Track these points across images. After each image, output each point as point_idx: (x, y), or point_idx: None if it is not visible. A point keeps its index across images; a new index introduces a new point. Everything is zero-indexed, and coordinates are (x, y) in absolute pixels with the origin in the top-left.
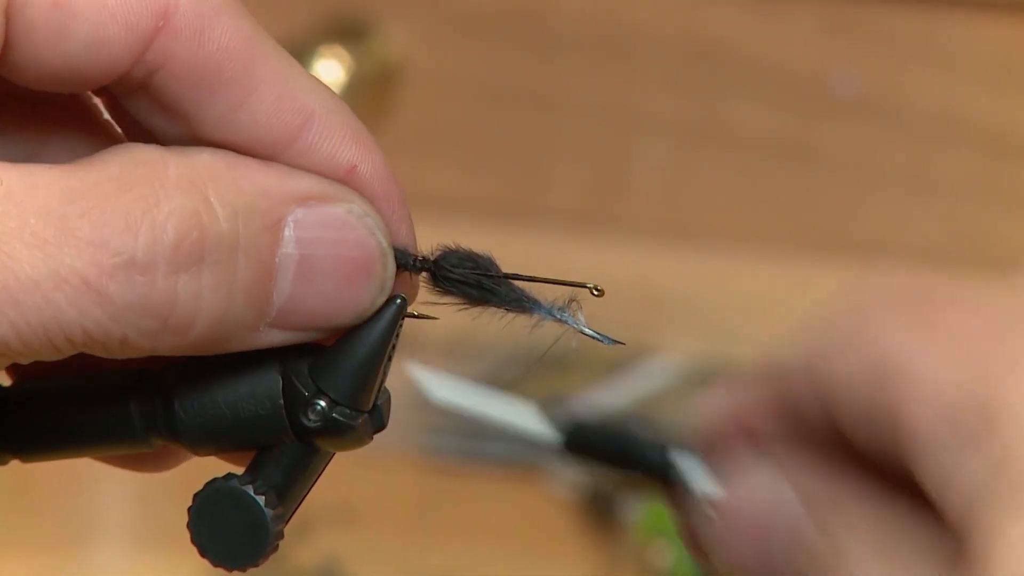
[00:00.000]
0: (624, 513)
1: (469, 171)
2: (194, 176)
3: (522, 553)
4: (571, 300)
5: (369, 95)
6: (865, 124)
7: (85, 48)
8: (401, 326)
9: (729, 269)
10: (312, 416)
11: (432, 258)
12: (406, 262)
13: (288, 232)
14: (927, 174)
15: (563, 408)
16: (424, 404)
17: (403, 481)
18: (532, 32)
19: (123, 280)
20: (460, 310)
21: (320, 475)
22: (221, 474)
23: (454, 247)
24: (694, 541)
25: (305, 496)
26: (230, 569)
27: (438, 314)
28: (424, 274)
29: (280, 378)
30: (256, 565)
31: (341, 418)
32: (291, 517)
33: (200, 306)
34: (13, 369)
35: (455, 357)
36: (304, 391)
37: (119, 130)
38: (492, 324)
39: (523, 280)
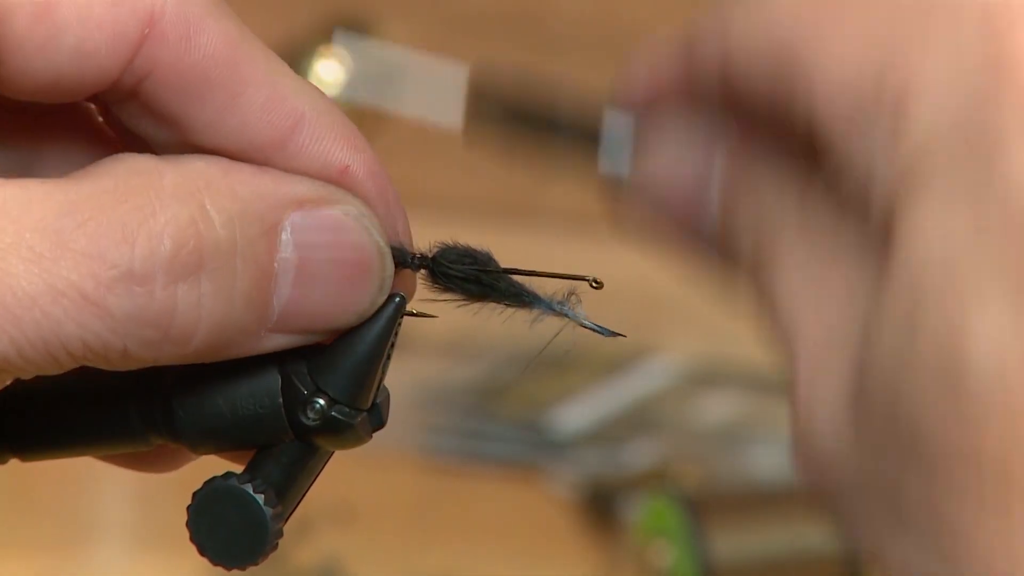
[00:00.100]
0: (624, 513)
1: (469, 171)
2: (189, 185)
3: (522, 553)
4: (570, 293)
5: None
6: None
7: (72, 59)
8: (400, 324)
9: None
10: (311, 414)
11: (430, 255)
12: (404, 260)
13: (285, 236)
14: None
15: (496, 77)
16: (424, 405)
17: (403, 481)
18: (532, 32)
19: (121, 292)
20: (459, 306)
21: (319, 474)
22: (220, 473)
23: (452, 243)
24: (622, 211)
25: (304, 495)
26: (229, 568)
27: (437, 312)
28: (422, 271)
29: (279, 377)
30: (255, 563)
31: (340, 416)
32: (290, 516)
33: (200, 314)
34: None
35: (455, 356)
36: (303, 389)
37: (114, 137)
38: (492, 320)
39: (522, 275)
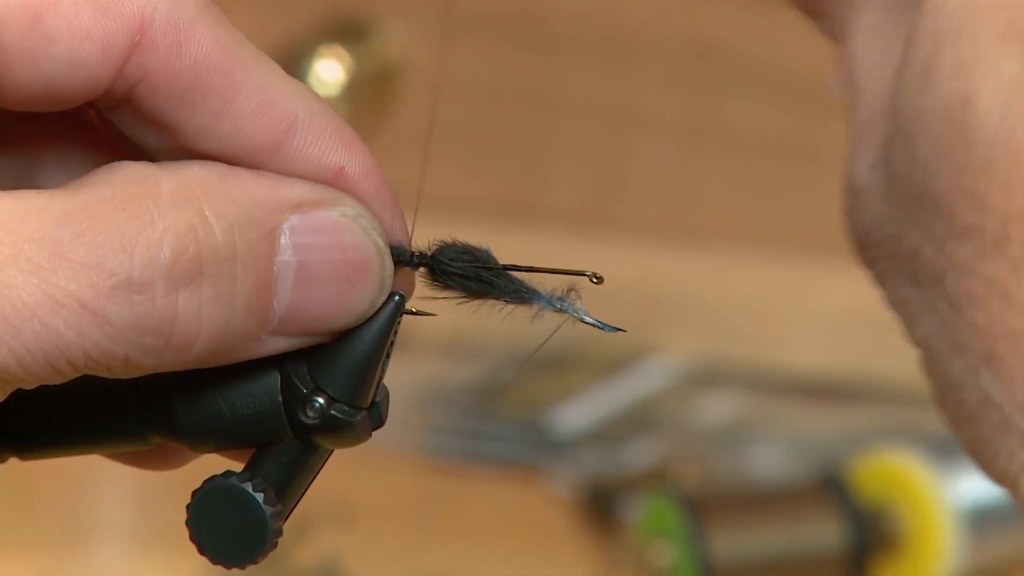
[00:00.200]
0: (624, 513)
1: (469, 171)
2: (187, 191)
3: (522, 553)
4: (570, 289)
5: (369, 95)
6: None
7: (63, 69)
8: (399, 323)
9: (729, 269)
10: (311, 413)
11: (429, 253)
12: (403, 259)
13: (284, 240)
14: None
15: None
16: (424, 405)
17: (403, 481)
18: (532, 32)
19: (121, 300)
20: (460, 304)
21: (319, 473)
22: (220, 471)
23: (451, 241)
24: None
25: (304, 493)
26: (229, 567)
27: (436, 310)
28: (422, 270)
29: (278, 375)
30: (255, 562)
31: (340, 415)
32: (290, 514)
33: (201, 321)
34: None
35: (455, 356)
36: (303, 388)
37: (110, 144)
38: (492, 319)
39: (521, 271)
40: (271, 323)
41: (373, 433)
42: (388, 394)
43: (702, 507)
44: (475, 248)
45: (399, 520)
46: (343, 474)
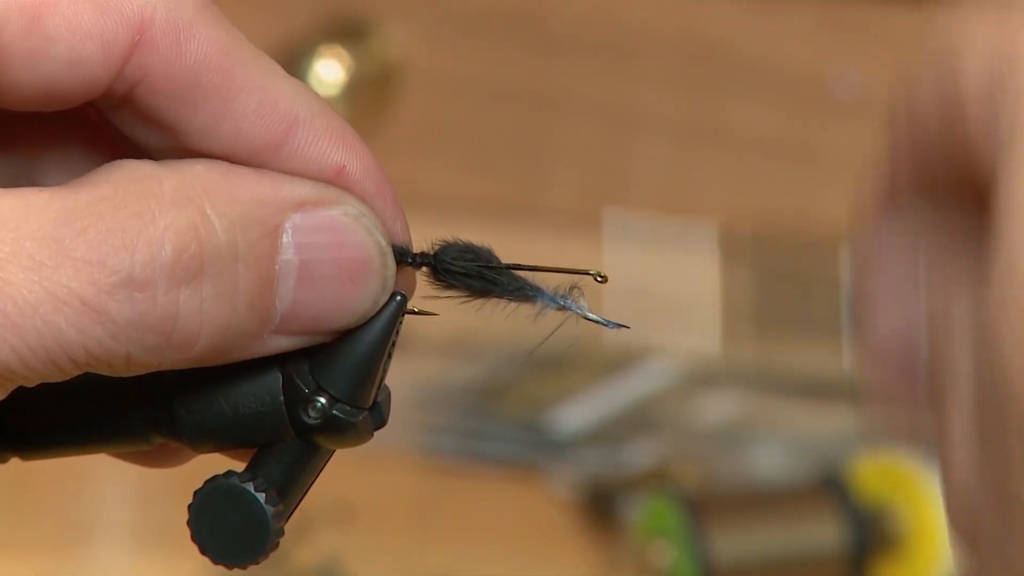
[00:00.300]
0: (624, 513)
1: (469, 171)
2: (189, 189)
3: (522, 553)
4: (573, 287)
5: (369, 95)
6: (865, 124)
7: (63, 69)
8: (401, 323)
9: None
10: (312, 413)
11: (432, 252)
12: (405, 258)
13: (286, 239)
14: None
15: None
16: (424, 405)
17: (403, 481)
18: (532, 32)
19: (122, 298)
20: (462, 303)
21: (320, 473)
22: (221, 471)
23: (452, 240)
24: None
25: (305, 494)
26: (230, 567)
27: (438, 309)
28: (424, 269)
29: (280, 375)
30: (256, 563)
31: (341, 415)
32: (291, 515)
33: (203, 319)
34: None
35: (455, 356)
36: (304, 388)
37: (112, 143)
38: (493, 319)
39: (524, 270)
40: (273, 322)
41: (375, 433)
42: (390, 394)
43: (702, 507)
44: (477, 247)
45: (399, 520)
46: (343, 474)
